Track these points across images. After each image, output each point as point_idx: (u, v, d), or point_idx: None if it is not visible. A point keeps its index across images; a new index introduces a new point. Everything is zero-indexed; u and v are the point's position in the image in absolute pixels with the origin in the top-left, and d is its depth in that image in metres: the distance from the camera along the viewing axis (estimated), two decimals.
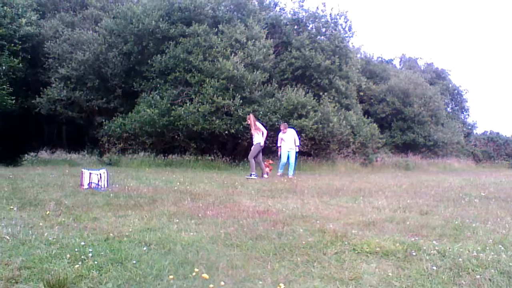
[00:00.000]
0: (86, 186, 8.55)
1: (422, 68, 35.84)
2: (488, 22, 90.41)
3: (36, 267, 3.48)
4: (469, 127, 36.90)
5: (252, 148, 13.08)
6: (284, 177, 12.99)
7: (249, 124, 13.57)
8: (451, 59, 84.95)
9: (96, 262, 3.60)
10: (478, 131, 37.99)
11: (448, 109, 34.99)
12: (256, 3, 20.98)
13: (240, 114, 17.10)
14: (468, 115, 37.67)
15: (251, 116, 13.44)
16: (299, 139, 14.49)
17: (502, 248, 4.32)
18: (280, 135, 13.79)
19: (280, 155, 13.84)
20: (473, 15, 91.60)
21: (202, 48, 17.77)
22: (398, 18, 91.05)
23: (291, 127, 14.36)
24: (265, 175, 12.85)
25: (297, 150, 13.97)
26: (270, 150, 17.87)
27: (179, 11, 18.54)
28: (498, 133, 36.20)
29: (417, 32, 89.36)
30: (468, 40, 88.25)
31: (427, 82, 29.90)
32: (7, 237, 4.30)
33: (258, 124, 13.18)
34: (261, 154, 13.21)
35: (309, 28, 21.27)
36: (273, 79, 19.15)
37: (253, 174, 12.51)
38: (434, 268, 3.69)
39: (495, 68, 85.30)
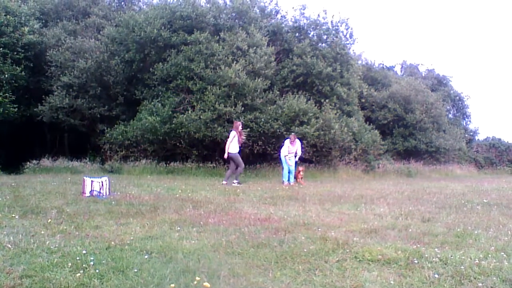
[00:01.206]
0: (87, 194, 8.56)
1: (423, 75, 35.85)
2: (489, 28, 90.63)
3: (37, 275, 3.49)
4: (471, 133, 36.84)
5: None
6: (286, 184, 13.01)
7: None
8: (452, 66, 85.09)
9: (97, 271, 3.60)
10: (480, 137, 37.94)
11: (450, 115, 34.96)
12: (258, 10, 21.06)
13: (242, 121, 17.11)
14: (469, 121, 37.64)
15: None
16: (302, 150, 14.57)
17: (504, 255, 4.31)
18: (288, 144, 13.85)
19: (281, 162, 13.96)
20: (474, 21, 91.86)
21: (203, 56, 17.83)
22: (399, 25, 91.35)
23: (299, 139, 14.54)
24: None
25: (297, 160, 14.24)
26: (272, 157, 17.86)
27: (180, 19, 18.62)
28: (500, 139, 36.12)
29: (418, 38, 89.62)
30: (469, 46, 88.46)
31: (429, 89, 29.88)
32: (9, 246, 4.30)
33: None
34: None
35: (310, 35, 21.32)
36: (275, 86, 19.18)
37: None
38: (436, 276, 3.68)
39: (496, 74, 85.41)
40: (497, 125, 75.83)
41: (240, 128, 13.38)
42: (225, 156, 13.21)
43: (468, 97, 36.65)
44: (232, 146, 13.06)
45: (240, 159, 13.17)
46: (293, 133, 14.74)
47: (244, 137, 13.58)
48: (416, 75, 34.26)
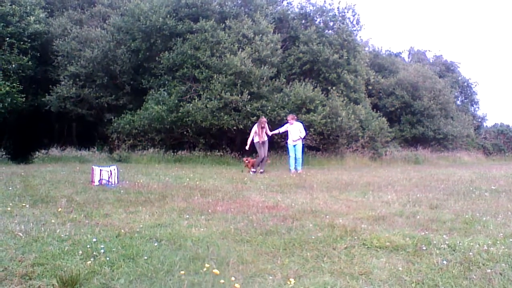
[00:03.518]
0: (96, 183, 8.62)
1: (431, 61, 35.52)
2: (497, 13, 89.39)
3: (49, 263, 3.53)
4: (479, 120, 36.55)
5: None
6: (294, 172, 12.98)
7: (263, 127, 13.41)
8: (460, 51, 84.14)
9: (108, 258, 3.64)
10: (488, 123, 37.62)
11: (458, 102, 34.68)
12: None
13: (248, 109, 17.09)
14: (478, 107, 37.33)
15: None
16: (306, 132, 14.31)
17: None
18: (287, 126, 13.61)
19: (288, 150, 13.76)
20: (482, 6, 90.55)
21: (209, 44, 17.77)
22: (406, 11, 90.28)
23: (298, 121, 14.21)
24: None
25: (303, 142, 13.82)
26: (279, 145, 17.86)
27: (186, 7, 18.54)
28: (508, 126, 35.73)
29: (426, 24, 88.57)
30: (478, 31, 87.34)
31: (436, 75, 29.62)
32: (20, 234, 4.36)
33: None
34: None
35: (316, 22, 21.17)
36: (281, 74, 19.10)
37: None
38: (445, 262, 3.69)
39: (505, 60, 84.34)
40: (506, 112, 74.97)
41: (263, 125, 13.27)
42: (246, 147, 13.41)
43: (476, 83, 36.34)
44: (254, 136, 13.19)
45: (261, 149, 13.07)
46: (290, 114, 14.39)
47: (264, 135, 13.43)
48: (423, 61, 33.97)
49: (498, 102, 74.77)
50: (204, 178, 10.41)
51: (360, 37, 25.38)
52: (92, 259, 3.63)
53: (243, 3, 20.07)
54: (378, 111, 23.40)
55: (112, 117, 19.13)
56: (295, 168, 13.30)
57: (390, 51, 34.18)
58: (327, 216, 5.55)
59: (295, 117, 13.97)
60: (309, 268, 3.59)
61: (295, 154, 13.41)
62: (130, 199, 6.79)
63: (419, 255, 3.91)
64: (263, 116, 14.69)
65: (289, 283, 3.22)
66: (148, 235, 4.47)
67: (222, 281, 3.19)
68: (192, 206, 6.25)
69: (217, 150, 18.17)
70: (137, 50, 19.26)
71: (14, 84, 17.94)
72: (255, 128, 13.23)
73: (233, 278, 3.27)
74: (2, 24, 18.24)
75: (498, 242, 4.29)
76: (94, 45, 19.09)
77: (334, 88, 19.24)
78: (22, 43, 18.68)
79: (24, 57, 18.47)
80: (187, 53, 17.82)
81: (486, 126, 37.11)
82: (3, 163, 15.57)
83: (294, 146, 13.39)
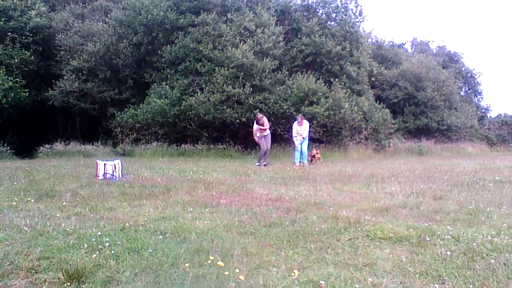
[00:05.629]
0: (101, 177, 8.65)
1: (434, 52, 35.31)
2: (500, 3, 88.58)
3: (54, 257, 3.55)
4: (483, 111, 36.36)
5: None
6: (298, 164, 13.02)
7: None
8: (463, 42, 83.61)
9: (113, 252, 3.66)
10: (492, 114, 37.46)
11: (462, 92, 34.48)
12: None
13: (250, 102, 17.06)
14: (481, 98, 37.10)
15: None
16: (310, 131, 14.53)
17: None
18: (295, 126, 13.75)
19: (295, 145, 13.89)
20: None
21: (211, 37, 17.73)
22: (409, 1, 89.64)
23: (307, 120, 14.37)
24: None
25: (308, 141, 14.19)
26: (282, 138, 17.84)
27: (187, 1, 18.48)
28: None
29: (429, 15, 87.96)
30: (481, 22, 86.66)
31: (440, 66, 29.45)
32: (26, 228, 4.38)
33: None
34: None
35: (319, 14, 21.06)
36: (283, 67, 19.05)
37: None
38: (448, 253, 3.69)
39: (508, 50, 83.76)
40: (509, 102, 74.67)
41: (261, 121, 13.32)
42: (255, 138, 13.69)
43: (480, 74, 36.03)
44: (256, 132, 13.37)
45: (262, 142, 13.20)
46: (300, 114, 14.62)
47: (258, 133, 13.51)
48: (427, 52, 33.73)
49: (501, 92, 74.46)
50: (208, 171, 10.44)
51: (362, 28, 25.22)
52: (97, 253, 3.65)
53: None
54: (381, 103, 23.32)
55: (115, 111, 19.15)
56: (301, 162, 13.42)
57: (393, 42, 34.07)
58: (331, 208, 5.56)
59: (304, 118, 14.21)
60: (313, 260, 3.61)
61: (301, 148, 13.55)
62: (134, 193, 6.81)
63: (423, 246, 3.91)
64: (258, 113, 14.70)
65: (293, 274, 3.23)
66: (153, 228, 4.49)
67: (226, 273, 3.20)
68: (196, 199, 6.27)
69: (220, 143, 18.17)
70: (139, 44, 19.24)
71: (17, 79, 17.97)
72: (255, 126, 13.39)
73: (237, 270, 3.28)
74: (3, 18, 18.24)
75: (502, 232, 4.29)
76: (96, 39, 19.08)
77: (337, 80, 19.17)
78: (24, 37, 18.68)
79: (26, 52, 18.49)
80: (189, 46, 17.78)
81: (490, 116, 36.96)
82: (7, 158, 15.64)
83: (301, 142, 13.56)
